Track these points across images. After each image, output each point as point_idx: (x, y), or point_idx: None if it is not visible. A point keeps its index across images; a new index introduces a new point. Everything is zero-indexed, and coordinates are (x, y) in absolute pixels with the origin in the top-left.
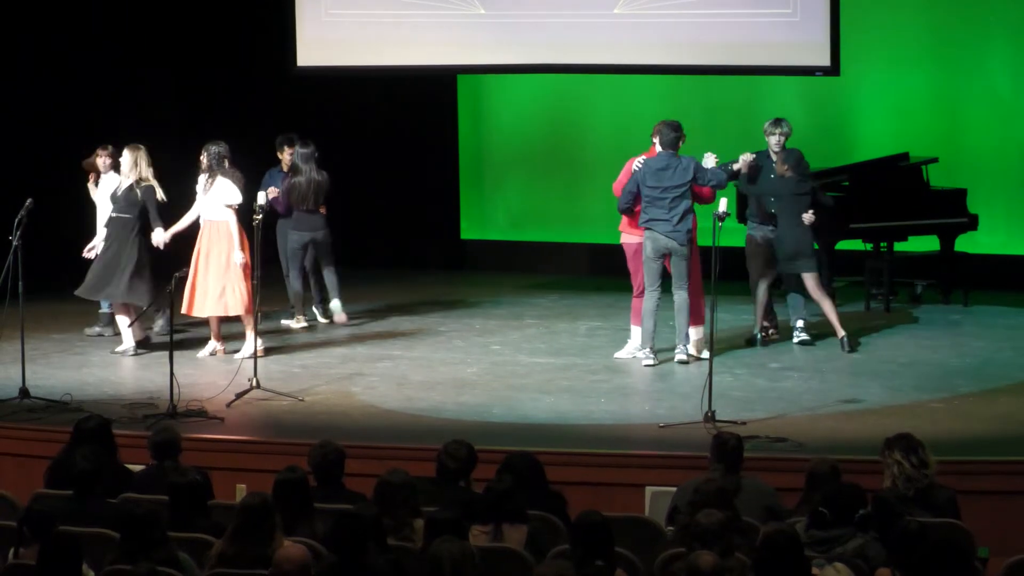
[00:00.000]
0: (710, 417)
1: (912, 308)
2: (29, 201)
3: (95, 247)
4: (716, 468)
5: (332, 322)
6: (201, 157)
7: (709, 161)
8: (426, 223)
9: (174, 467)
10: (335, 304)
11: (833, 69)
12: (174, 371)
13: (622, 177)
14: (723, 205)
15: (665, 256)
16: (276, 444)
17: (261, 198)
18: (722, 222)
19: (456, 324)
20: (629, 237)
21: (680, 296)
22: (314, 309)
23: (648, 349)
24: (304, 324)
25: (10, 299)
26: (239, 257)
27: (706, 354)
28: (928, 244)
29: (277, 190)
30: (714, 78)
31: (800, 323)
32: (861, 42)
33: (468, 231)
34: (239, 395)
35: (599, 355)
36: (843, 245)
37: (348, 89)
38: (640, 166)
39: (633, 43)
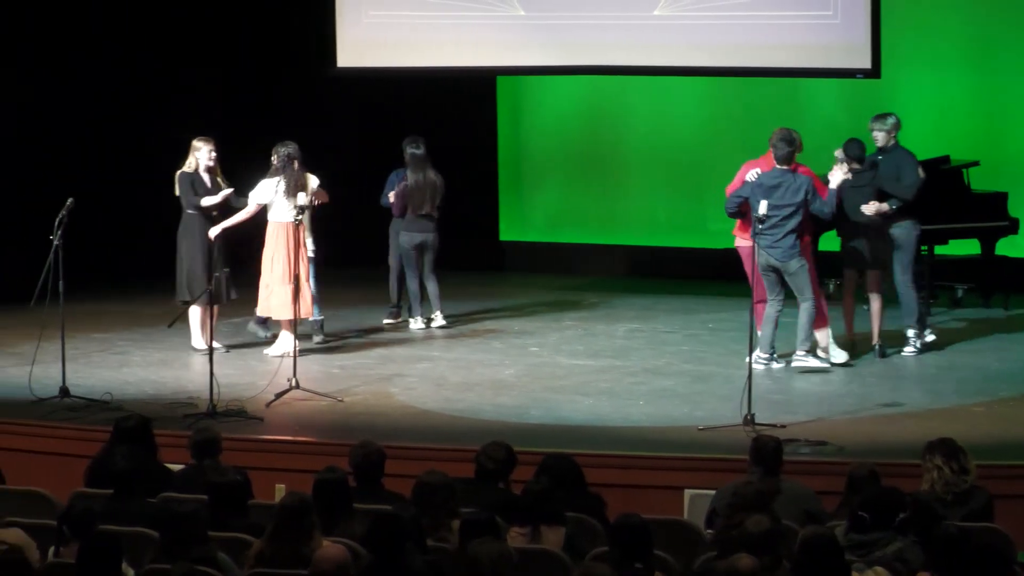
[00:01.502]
0: (749, 420)
1: (952, 312)
2: (70, 201)
3: None
4: (755, 471)
5: (427, 327)
6: (272, 158)
7: (837, 176)
8: (465, 224)
9: (214, 467)
10: (438, 316)
11: (874, 71)
12: (214, 371)
13: (735, 182)
14: (763, 207)
15: (775, 270)
16: (315, 444)
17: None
18: (762, 224)
19: (494, 325)
20: (742, 241)
21: (803, 307)
22: (407, 310)
23: (768, 354)
24: (439, 321)
25: (51, 298)
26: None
27: (836, 356)
28: (969, 247)
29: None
30: (754, 80)
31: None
32: (902, 44)
33: (507, 232)
34: (278, 395)
35: (638, 357)
36: None
37: (388, 90)
38: (754, 178)
39: (673, 45)
